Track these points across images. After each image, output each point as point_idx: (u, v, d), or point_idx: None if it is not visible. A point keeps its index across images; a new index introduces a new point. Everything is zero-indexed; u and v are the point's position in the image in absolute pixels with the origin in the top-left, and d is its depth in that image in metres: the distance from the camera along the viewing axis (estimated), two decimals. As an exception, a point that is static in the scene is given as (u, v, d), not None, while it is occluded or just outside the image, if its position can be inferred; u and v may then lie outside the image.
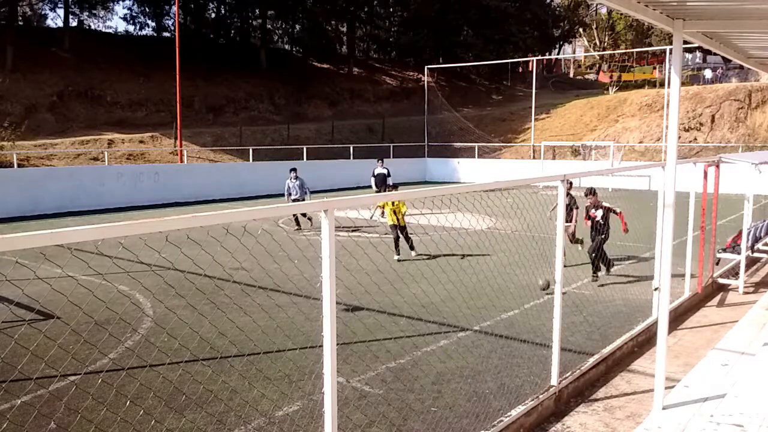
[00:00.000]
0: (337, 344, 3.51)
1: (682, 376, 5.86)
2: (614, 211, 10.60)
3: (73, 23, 46.69)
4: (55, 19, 61.63)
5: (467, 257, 11.71)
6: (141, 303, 9.22)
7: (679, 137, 6.66)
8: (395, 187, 19.01)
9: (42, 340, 7.07)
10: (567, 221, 10.66)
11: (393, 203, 12.23)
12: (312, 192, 17.42)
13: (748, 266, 11.00)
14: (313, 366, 6.29)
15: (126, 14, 78.56)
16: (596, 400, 6.04)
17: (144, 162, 29.89)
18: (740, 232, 10.66)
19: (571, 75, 70.32)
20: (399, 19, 57.16)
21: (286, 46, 56.27)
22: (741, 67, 40.35)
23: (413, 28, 53.33)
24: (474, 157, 37.49)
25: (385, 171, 19.72)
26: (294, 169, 17.27)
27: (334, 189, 29.84)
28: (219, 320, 7.83)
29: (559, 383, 5.81)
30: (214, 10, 51.39)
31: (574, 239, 12.23)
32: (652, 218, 8.31)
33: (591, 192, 10.59)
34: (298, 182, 16.81)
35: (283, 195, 17.62)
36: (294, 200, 16.67)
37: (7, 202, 19.72)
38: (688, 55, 58.91)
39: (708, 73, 46.86)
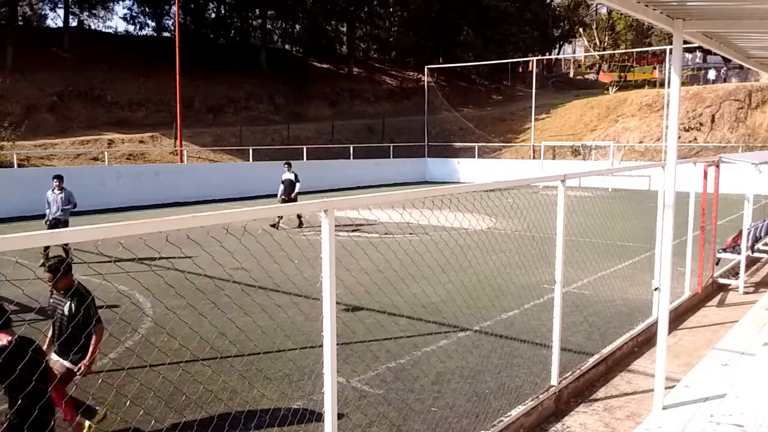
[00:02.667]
0: (337, 344, 3.51)
1: (682, 376, 5.86)
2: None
3: (73, 23, 46.74)
4: (55, 19, 61.61)
5: (468, 257, 11.70)
6: (141, 303, 9.22)
7: (679, 137, 6.66)
8: (292, 198, 17.04)
9: (42, 340, 7.05)
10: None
11: None
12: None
13: (748, 266, 10.99)
14: (313, 366, 6.29)
15: (126, 14, 78.69)
16: (596, 400, 6.04)
17: (144, 162, 29.88)
18: (740, 232, 10.66)
19: (571, 75, 70.31)
20: (399, 19, 57.17)
21: (286, 46, 56.25)
22: (741, 67, 40.39)
23: (413, 28, 53.36)
24: (474, 157, 37.49)
25: (292, 176, 17.25)
26: (59, 177, 12.60)
27: (334, 189, 29.83)
28: (219, 320, 7.82)
29: (559, 383, 5.81)
30: (214, 10, 51.38)
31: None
32: (652, 218, 8.31)
33: None
34: (62, 194, 12.31)
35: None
36: (52, 222, 12.24)
37: (7, 202, 19.71)
38: (688, 55, 58.89)
39: (712, 74, 46.82)
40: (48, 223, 12.27)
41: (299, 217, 17.19)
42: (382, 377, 6.38)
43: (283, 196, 17.33)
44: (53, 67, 36.46)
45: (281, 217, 16.78)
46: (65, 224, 12.16)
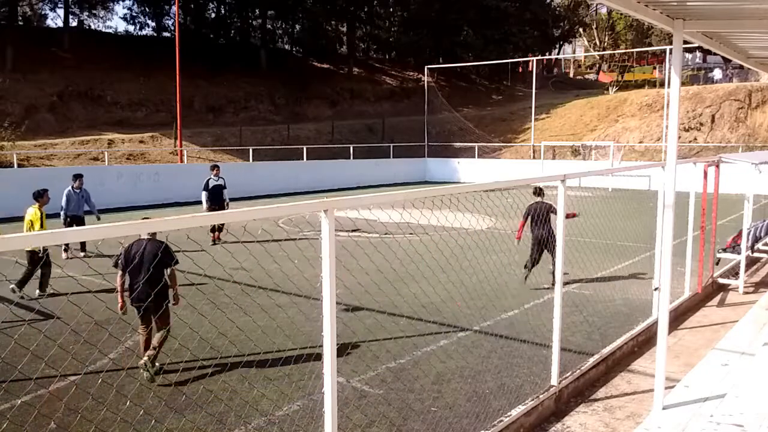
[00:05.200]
0: (337, 344, 3.51)
1: (682, 376, 5.86)
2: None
3: (73, 23, 46.78)
4: (55, 19, 61.66)
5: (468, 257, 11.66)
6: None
7: (679, 137, 6.63)
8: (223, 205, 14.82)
9: (42, 340, 7.06)
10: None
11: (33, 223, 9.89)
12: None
13: (748, 266, 10.99)
14: (313, 366, 6.29)
15: (126, 14, 78.53)
16: (596, 400, 6.04)
17: (144, 162, 29.88)
18: (740, 232, 10.66)
19: (571, 75, 70.29)
20: (399, 19, 57.16)
21: (286, 46, 56.26)
22: (742, 67, 40.38)
23: (413, 28, 53.34)
24: (474, 157, 37.49)
25: (221, 182, 14.92)
26: (80, 176, 13.22)
27: (334, 189, 29.83)
28: (219, 320, 7.82)
29: (559, 383, 5.81)
30: (214, 10, 51.40)
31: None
32: (652, 218, 8.31)
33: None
34: (82, 193, 13.09)
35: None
36: (72, 217, 12.93)
37: (7, 202, 19.69)
38: (688, 55, 58.92)
39: (718, 73, 46.72)
40: (68, 220, 12.87)
41: (218, 230, 14.69)
42: (382, 377, 6.37)
43: (210, 205, 14.68)
44: (53, 67, 36.46)
45: (219, 230, 14.68)
46: (83, 221, 13.05)
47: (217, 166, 15.43)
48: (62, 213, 12.94)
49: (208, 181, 14.97)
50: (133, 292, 6.40)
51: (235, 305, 7.98)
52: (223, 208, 14.47)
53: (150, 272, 6.17)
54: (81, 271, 10.53)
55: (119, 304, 6.47)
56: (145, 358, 6.40)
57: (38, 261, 9.50)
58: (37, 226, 9.99)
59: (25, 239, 2.28)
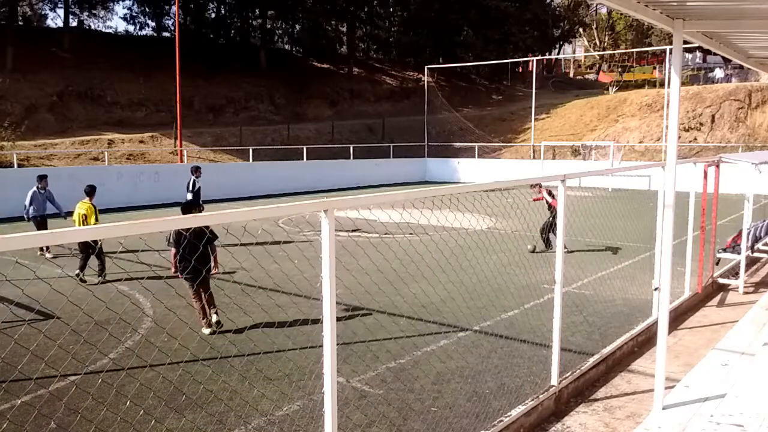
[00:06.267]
0: (337, 344, 3.51)
1: (682, 376, 5.86)
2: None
3: (73, 23, 46.81)
4: (55, 19, 61.73)
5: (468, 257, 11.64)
6: (141, 303, 9.22)
7: (679, 137, 6.67)
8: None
9: (42, 340, 7.07)
10: None
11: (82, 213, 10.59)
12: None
13: (748, 266, 10.99)
14: (313, 366, 6.29)
15: (126, 14, 78.61)
16: (596, 400, 6.04)
17: (144, 162, 29.89)
18: (740, 232, 10.66)
19: (571, 75, 70.29)
20: (399, 19, 57.18)
21: (286, 46, 56.29)
22: (742, 67, 40.37)
23: (413, 28, 53.36)
24: (474, 157, 37.49)
25: (200, 185, 14.91)
26: (44, 176, 13.42)
27: (334, 189, 29.84)
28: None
29: (559, 383, 5.81)
30: (214, 10, 51.42)
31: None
32: (652, 218, 8.31)
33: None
34: (47, 194, 13.19)
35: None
36: (41, 217, 13.15)
37: (7, 202, 19.69)
38: (689, 55, 58.95)
39: (719, 72, 46.70)
40: (37, 219, 13.11)
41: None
42: (382, 377, 6.37)
43: (197, 209, 14.91)
44: (53, 67, 36.47)
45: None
46: (46, 220, 13.36)
47: (200, 168, 15.26)
48: (26, 212, 13.18)
49: (194, 182, 14.72)
50: (185, 268, 7.54)
51: (235, 305, 7.98)
52: (200, 211, 14.29)
53: (198, 251, 7.29)
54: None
55: (172, 270, 7.99)
56: (206, 329, 7.69)
57: (95, 248, 10.43)
58: (91, 219, 10.74)
59: (25, 239, 2.27)
